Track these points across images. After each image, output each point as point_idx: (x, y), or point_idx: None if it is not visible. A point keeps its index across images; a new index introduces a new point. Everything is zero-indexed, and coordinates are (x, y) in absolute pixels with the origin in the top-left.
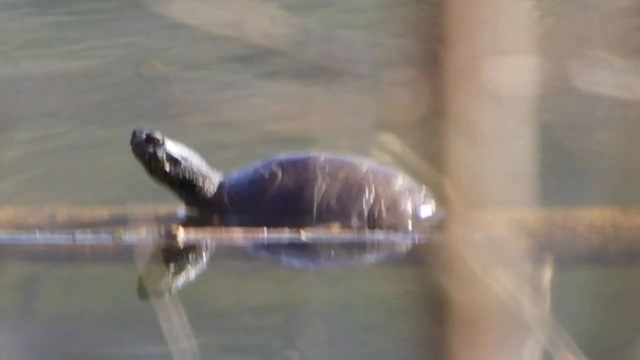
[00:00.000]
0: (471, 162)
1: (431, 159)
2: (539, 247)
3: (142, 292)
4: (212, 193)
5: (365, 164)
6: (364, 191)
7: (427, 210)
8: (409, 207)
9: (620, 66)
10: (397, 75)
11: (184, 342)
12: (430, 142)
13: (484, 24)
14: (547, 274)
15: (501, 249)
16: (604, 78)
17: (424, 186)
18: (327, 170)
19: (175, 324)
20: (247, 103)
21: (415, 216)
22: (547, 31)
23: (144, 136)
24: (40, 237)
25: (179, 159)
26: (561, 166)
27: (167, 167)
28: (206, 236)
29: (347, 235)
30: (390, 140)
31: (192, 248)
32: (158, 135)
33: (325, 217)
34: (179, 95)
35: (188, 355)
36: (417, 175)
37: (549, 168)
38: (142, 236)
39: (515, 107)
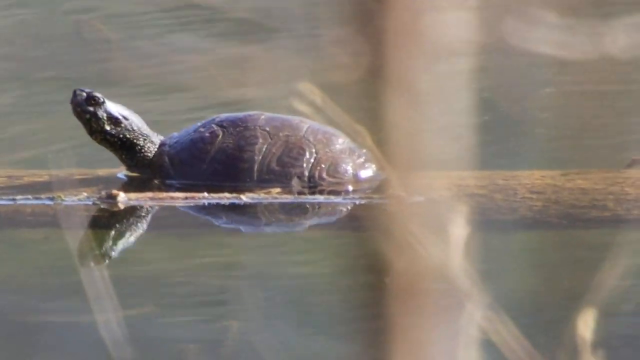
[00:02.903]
0: (410, 123)
1: (369, 120)
2: (479, 211)
3: (79, 257)
4: (153, 153)
5: (305, 123)
6: (304, 152)
7: (367, 171)
8: (349, 168)
9: (557, 24)
10: (334, 33)
11: (110, 312)
12: (367, 103)
13: None
14: (484, 238)
15: (440, 212)
16: (541, 36)
17: (363, 146)
18: (267, 130)
19: (102, 292)
20: (182, 63)
21: (356, 177)
22: None
23: (84, 95)
24: None
25: (120, 118)
26: (500, 127)
27: (108, 127)
28: (147, 198)
29: (288, 198)
30: (311, 90)
31: (132, 210)
32: (98, 94)
33: (265, 178)
34: (117, 57)
35: (114, 326)
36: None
37: (487, 129)
38: (82, 199)
39: (453, 66)
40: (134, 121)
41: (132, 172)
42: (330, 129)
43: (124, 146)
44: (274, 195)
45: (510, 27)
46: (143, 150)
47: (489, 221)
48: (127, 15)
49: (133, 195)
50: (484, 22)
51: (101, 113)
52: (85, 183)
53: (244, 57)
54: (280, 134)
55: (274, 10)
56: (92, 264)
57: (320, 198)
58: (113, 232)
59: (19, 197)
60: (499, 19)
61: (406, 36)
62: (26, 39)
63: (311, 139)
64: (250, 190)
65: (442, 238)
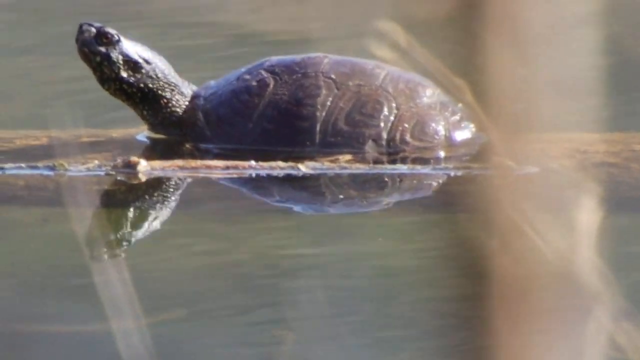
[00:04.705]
0: (518, 72)
1: (465, 67)
2: (610, 185)
3: (87, 245)
4: (183, 109)
5: (382, 70)
6: (381, 107)
7: (463, 132)
8: (440, 128)
9: None
10: None
11: (129, 319)
12: (462, 46)
13: None
14: (616, 221)
15: (559, 188)
16: None
17: (459, 101)
18: (332, 78)
19: (118, 292)
20: None
21: (449, 141)
22: None
23: (93, 31)
24: None
25: (140, 61)
26: (634, 77)
27: (124, 73)
28: (175, 167)
29: (360, 168)
30: (393, 30)
31: (156, 184)
32: (112, 30)
33: (331, 141)
34: None
35: (134, 336)
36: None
37: (618, 80)
38: (91, 168)
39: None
40: (159, 66)
41: (156, 133)
42: (415, 77)
43: (145, 99)
44: (342, 164)
45: None
46: (170, 104)
47: (622, 199)
48: None
49: (157, 163)
50: None
51: (115, 55)
52: (95, 147)
53: None
54: (350, 83)
55: None
56: (104, 254)
57: (402, 168)
58: (131, 213)
59: (8, 165)
60: None
61: None
62: None
63: (390, 90)
64: (311, 158)
65: (562, 222)
